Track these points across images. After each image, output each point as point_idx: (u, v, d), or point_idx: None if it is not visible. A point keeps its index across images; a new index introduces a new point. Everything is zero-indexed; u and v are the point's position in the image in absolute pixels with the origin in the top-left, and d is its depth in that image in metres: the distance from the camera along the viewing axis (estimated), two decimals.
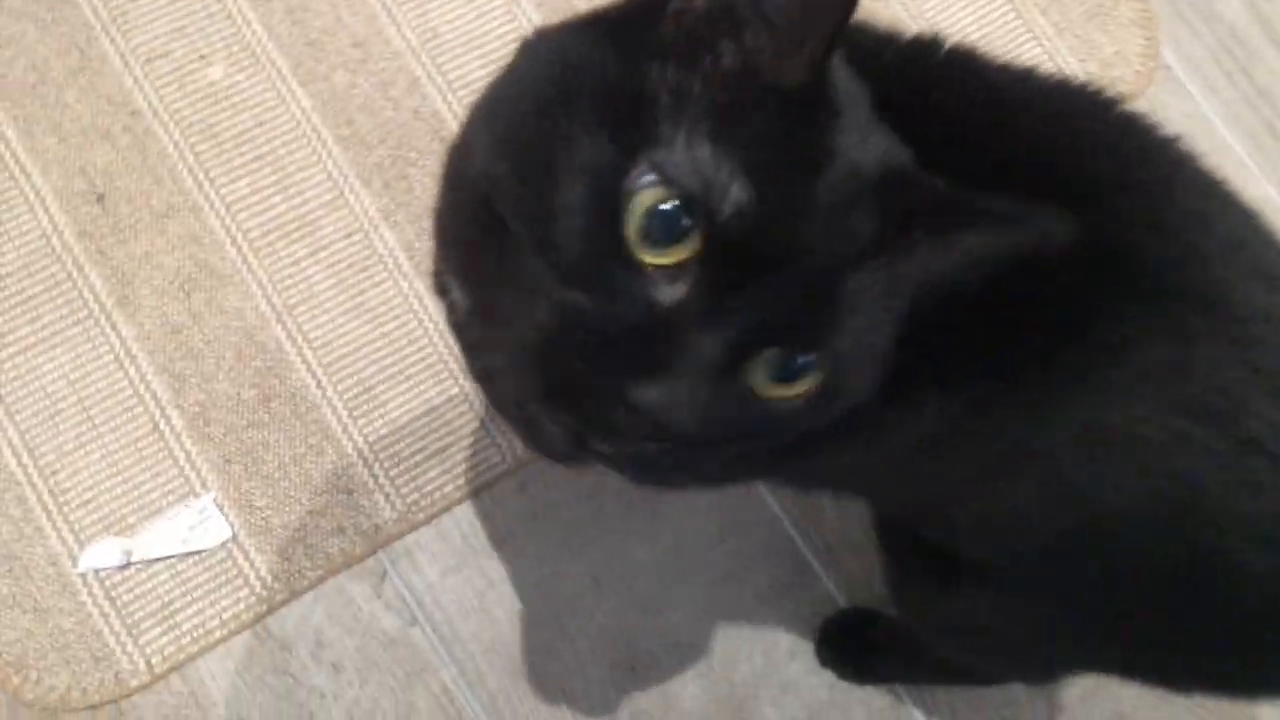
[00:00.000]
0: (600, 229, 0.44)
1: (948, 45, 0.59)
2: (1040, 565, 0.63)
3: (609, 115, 0.45)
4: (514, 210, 0.46)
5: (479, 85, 1.08)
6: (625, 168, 0.44)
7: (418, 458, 1.01)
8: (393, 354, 1.03)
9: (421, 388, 1.02)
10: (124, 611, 0.94)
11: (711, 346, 0.44)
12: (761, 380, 0.47)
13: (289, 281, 1.03)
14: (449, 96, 1.10)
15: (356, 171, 1.07)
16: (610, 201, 0.44)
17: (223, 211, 1.04)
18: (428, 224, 1.05)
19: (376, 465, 1.00)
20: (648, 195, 0.43)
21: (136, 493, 0.97)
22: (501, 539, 1.01)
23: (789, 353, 0.47)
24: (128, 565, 0.95)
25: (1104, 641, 0.67)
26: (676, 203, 0.43)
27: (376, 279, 1.04)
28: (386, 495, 1.00)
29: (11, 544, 0.94)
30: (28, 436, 0.96)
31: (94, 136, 1.04)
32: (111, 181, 1.03)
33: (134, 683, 0.93)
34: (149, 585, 0.95)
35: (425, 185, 1.07)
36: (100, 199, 1.02)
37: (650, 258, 0.44)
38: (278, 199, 1.05)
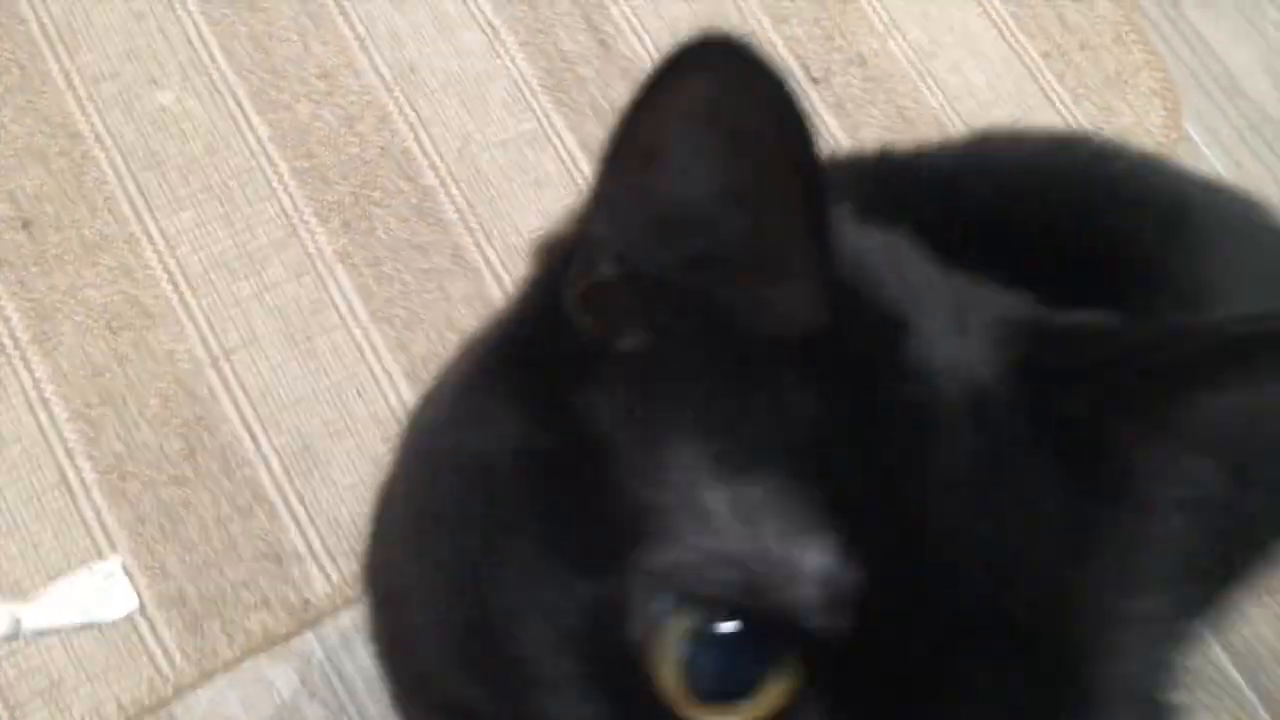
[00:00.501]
0: (623, 697, 0.27)
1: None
2: None
3: (555, 525, 0.28)
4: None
5: (452, 125, 1.01)
6: (614, 601, 0.27)
7: (359, 524, 0.90)
8: (339, 407, 0.93)
9: (368, 445, 0.92)
10: (9, 690, 0.82)
11: None
12: None
13: (229, 323, 0.93)
14: (420, 134, 1.02)
15: (313, 208, 0.98)
16: (615, 669, 0.27)
17: (161, 244, 0.94)
18: (388, 268, 0.96)
19: (312, 531, 0.89)
20: (671, 632, 0.26)
21: (35, 553, 0.85)
22: None
23: None
24: (16, 635, 0.83)
25: None
26: (730, 624, 0.26)
27: (327, 324, 0.95)
28: (321, 566, 0.88)
29: None
30: None
31: (27, 159, 0.95)
32: (41, 207, 0.94)
33: None
34: (38, 659, 0.83)
35: (389, 227, 0.98)
36: (26, 225, 0.93)
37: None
38: (223, 233, 0.96)
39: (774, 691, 0.26)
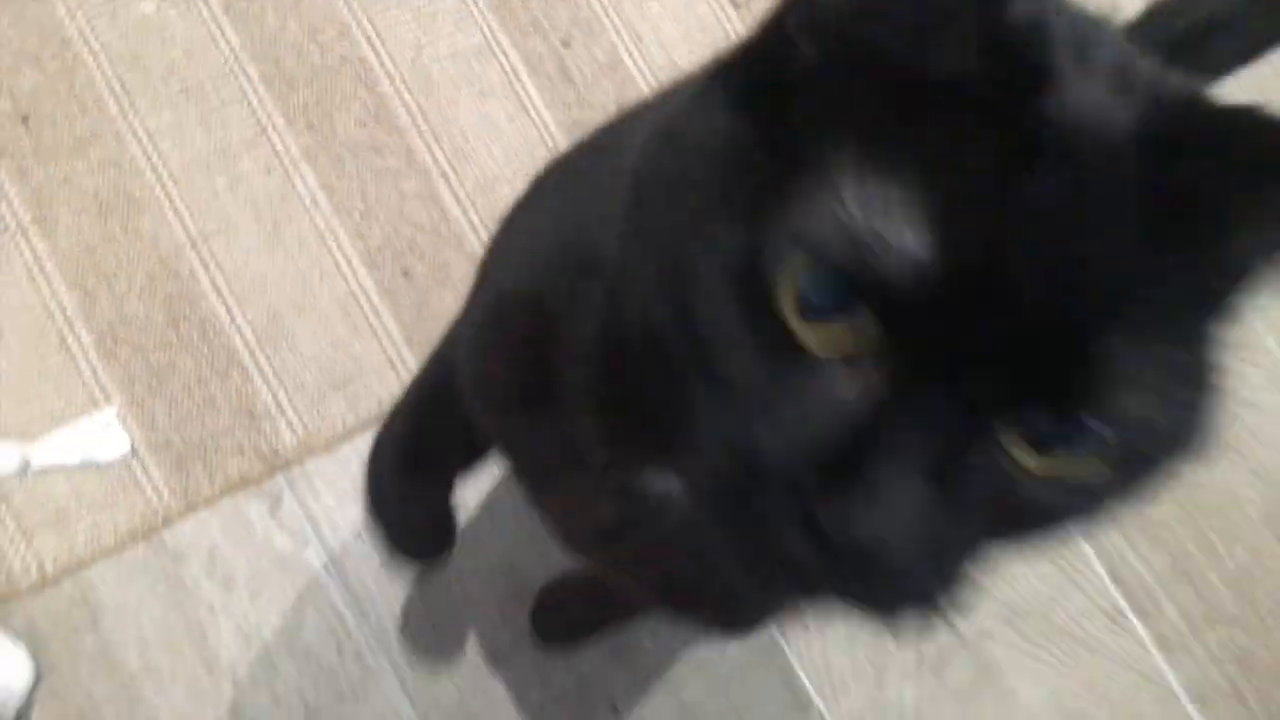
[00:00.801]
0: (758, 325, 0.35)
1: None
2: None
3: (738, 193, 0.36)
4: (656, 327, 0.39)
5: (406, 38, 1.12)
6: (759, 248, 0.35)
7: (322, 388, 1.04)
8: (304, 288, 1.06)
9: (330, 322, 1.06)
10: (19, 516, 0.97)
11: (919, 435, 0.34)
12: (1024, 455, 0.35)
13: (206, 211, 1.06)
14: (376, 45, 1.13)
15: (280, 110, 1.10)
16: (756, 288, 0.35)
17: (145, 140, 1.07)
18: (348, 166, 1.09)
19: (281, 392, 1.03)
20: (795, 268, 0.34)
21: (40, 403, 0.99)
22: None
23: (1041, 414, 0.34)
24: (26, 472, 0.97)
25: None
26: (835, 280, 0.34)
27: (293, 215, 1.08)
28: (289, 421, 1.03)
29: None
30: None
31: (23, 61, 1.07)
32: (38, 105, 1.06)
33: (25, 584, 0.95)
34: (46, 492, 0.97)
35: (349, 129, 1.11)
36: (24, 120, 1.05)
37: (818, 339, 0.35)
38: (199, 132, 1.08)
39: (856, 324, 0.34)
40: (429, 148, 1.12)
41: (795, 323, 0.34)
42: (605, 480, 0.52)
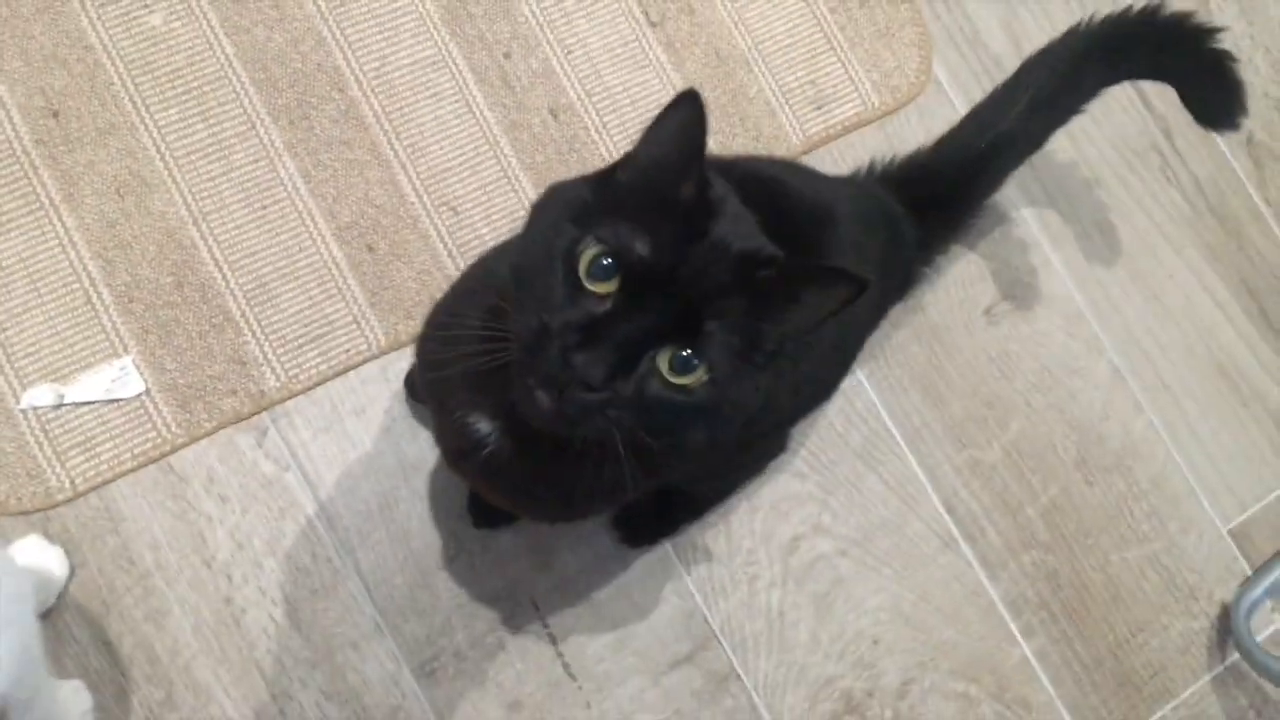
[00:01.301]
0: (570, 276, 0.74)
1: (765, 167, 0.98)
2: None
3: (578, 217, 0.76)
4: (526, 272, 0.77)
5: (373, 49, 1.34)
6: (582, 238, 0.74)
7: (300, 341, 1.27)
8: (286, 258, 1.29)
9: (307, 287, 1.29)
10: (55, 441, 1.19)
11: (625, 333, 0.73)
12: (665, 368, 0.74)
13: (205, 193, 1.28)
14: (348, 55, 1.35)
15: (267, 109, 1.32)
16: (573, 260, 0.74)
17: (155, 133, 1.28)
18: (323, 157, 1.31)
19: (266, 344, 1.26)
20: (591, 251, 0.74)
21: (70, 350, 1.22)
22: (363, 410, 1.27)
23: (678, 348, 0.73)
24: (60, 406, 1.20)
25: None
26: (607, 256, 0.73)
27: (277, 197, 1.30)
28: (272, 368, 1.26)
29: None
30: None
31: (53, 63, 1.28)
32: (65, 101, 1.27)
33: (60, 497, 1.18)
34: (76, 423, 1.20)
35: (324, 126, 1.33)
36: (55, 114, 1.26)
37: (594, 288, 0.73)
38: (200, 126, 1.30)
39: (611, 284, 0.73)
40: (390, 143, 1.35)
41: (584, 276, 0.74)
42: (456, 421, 0.89)
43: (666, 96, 1.43)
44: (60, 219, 1.24)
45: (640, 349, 0.73)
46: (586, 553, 1.30)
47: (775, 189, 1.01)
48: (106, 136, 1.27)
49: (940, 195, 1.26)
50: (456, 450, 0.95)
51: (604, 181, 0.79)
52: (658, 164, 0.76)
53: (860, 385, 1.41)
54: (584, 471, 0.84)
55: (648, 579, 1.31)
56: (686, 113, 0.74)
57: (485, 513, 1.26)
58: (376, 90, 1.36)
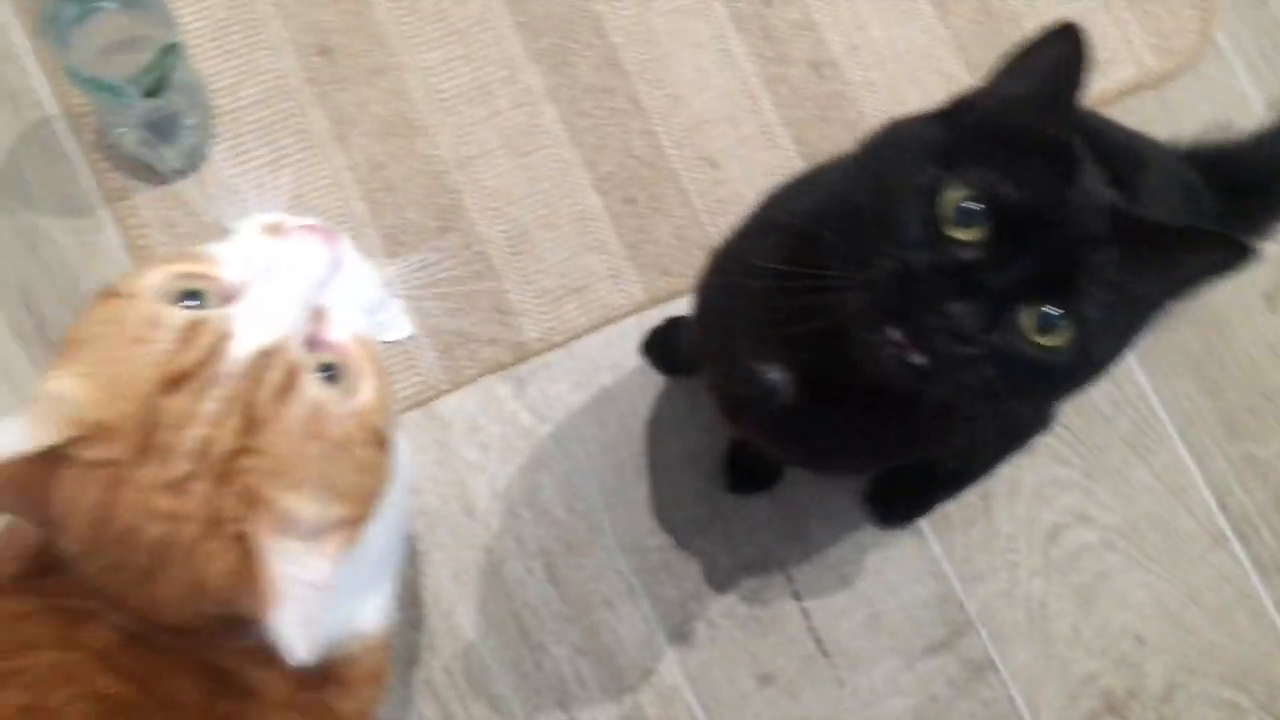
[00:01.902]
0: (929, 219, 0.68)
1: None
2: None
3: (935, 155, 0.70)
4: (870, 213, 0.71)
5: None
6: (945, 179, 0.68)
7: (559, 292, 1.24)
8: (546, 206, 1.26)
9: (567, 237, 1.25)
10: None
11: (995, 284, 0.66)
12: (1029, 326, 0.67)
13: (469, 138, 1.26)
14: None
15: (527, 54, 1.29)
16: (934, 201, 0.68)
17: (421, 75, 1.26)
18: (585, 105, 1.27)
19: (526, 294, 1.24)
20: (957, 194, 0.67)
21: None
22: (618, 366, 1.24)
23: (1046, 304, 0.67)
24: None
25: None
26: (975, 200, 0.67)
27: (539, 144, 1.27)
28: (532, 319, 1.23)
29: None
30: None
31: (324, 1, 1.26)
32: (336, 39, 1.26)
33: None
34: None
35: (584, 72, 1.29)
36: (326, 52, 1.25)
37: (956, 233, 0.67)
38: (464, 69, 1.27)
39: (977, 230, 0.66)
40: (649, 92, 1.30)
41: (946, 221, 0.67)
42: (741, 370, 0.84)
43: (934, 52, 1.37)
44: (331, 158, 1.23)
45: (1009, 302, 0.67)
46: (840, 526, 1.25)
47: (1086, 125, 0.92)
48: (375, 77, 1.26)
49: (1251, 188, 1.15)
50: (740, 401, 0.89)
51: (956, 119, 0.73)
52: (1024, 102, 0.69)
53: (1130, 368, 1.33)
54: (891, 424, 0.80)
55: (902, 558, 1.25)
56: (1064, 47, 0.67)
57: (742, 478, 1.22)
58: (637, 37, 1.31)
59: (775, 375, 0.83)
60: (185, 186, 1.20)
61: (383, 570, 0.78)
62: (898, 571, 1.25)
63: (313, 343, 0.61)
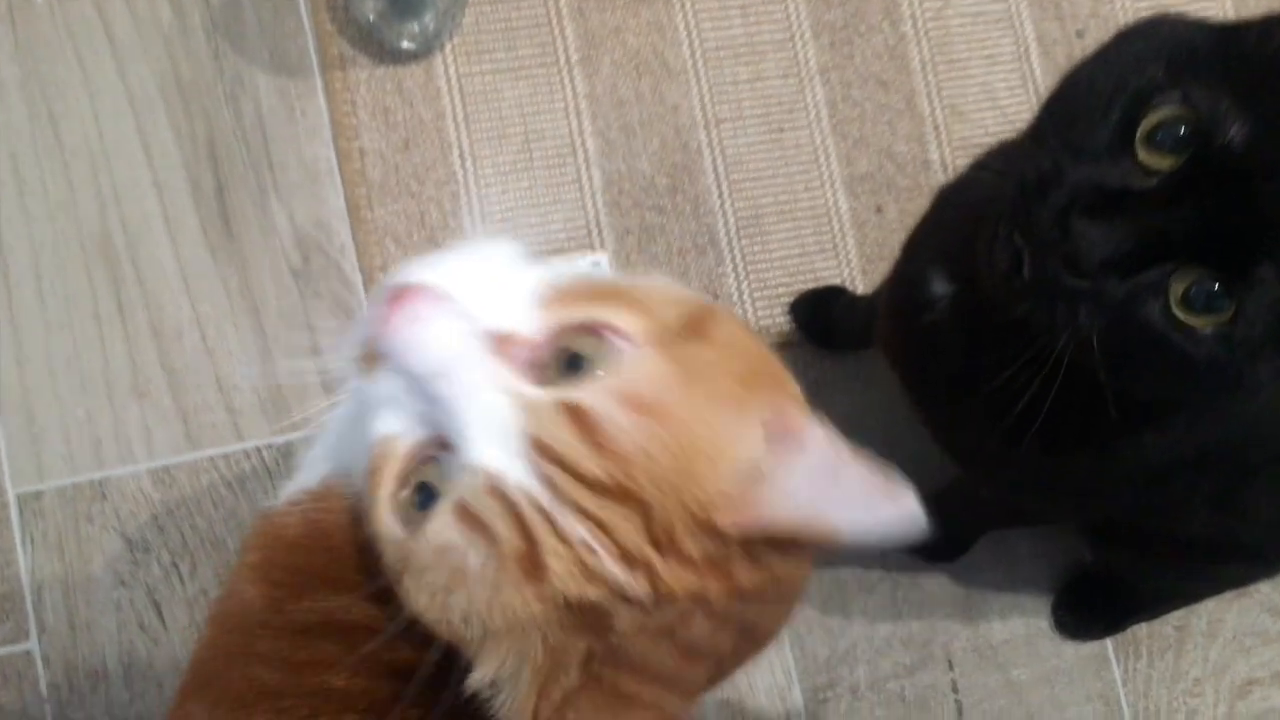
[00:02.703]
0: (1125, 128, 0.55)
1: None
2: None
3: (1175, 62, 0.56)
4: (1071, 109, 0.58)
5: None
6: (1165, 89, 0.55)
7: (779, 290, 1.11)
8: (788, 193, 1.12)
9: (803, 231, 1.12)
10: None
11: (1157, 223, 0.53)
12: (1178, 296, 0.54)
13: (724, 97, 1.12)
14: None
15: (811, 22, 1.15)
16: (1139, 110, 0.55)
17: (690, 14, 1.13)
18: (855, 92, 1.13)
19: (745, 283, 1.10)
20: (1167, 110, 0.54)
21: (546, 227, 1.08)
22: (822, 386, 1.10)
23: (1209, 275, 0.53)
24: None
25: None
26: (1185, 123, 0.53)
27: (797, 123, 1.13)
28: (745, 311, 1.10)
29: (436, 229, 1.06)
30: (475, 145, 1.08)
31: None
32: None
33: None
34: None
35: (865, 57, 1.15)
36: None
37: (1147, 156, 0.55)
38: (738, 21, 1.14)
39: (1172, 158, 0.53)
40: (929, 97, 1.16)
41: (1141, 137, 0.55)
42: (913, 272, 0.76)
43: None
44: (571, 82, 1.10)
45: (1162, 253, 0.54)
46: (1018, 623, 1.11)
47: None
48: (640, 4, 1.12)
49: None
50: (898, 309, 0.80)
51: (1238, 41, 0.57)
52: None
53: None
54: (1012, 380, 0.65)
55: (1076, 674, 1.12)
56: None
57: (930, 541, 1.09)
58: (931, 34, 1.17)
59: (939, 285, 0.73)
60: (411, 71, 1.08)
61: None
62: (1068, 688, 1.11)
63: (523, 351, 0.44)
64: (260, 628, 0.50)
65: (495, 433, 0.42)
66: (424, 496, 0.44)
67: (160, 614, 0.99)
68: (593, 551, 0.41)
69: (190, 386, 1.02)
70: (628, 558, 0.42)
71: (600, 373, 0.43)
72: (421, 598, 0.44)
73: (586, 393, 0.42)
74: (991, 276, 0.61)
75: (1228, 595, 1.13)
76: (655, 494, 0.42)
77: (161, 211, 1.04)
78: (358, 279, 1.05)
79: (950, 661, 1.10)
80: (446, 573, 0.43)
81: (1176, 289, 0.54)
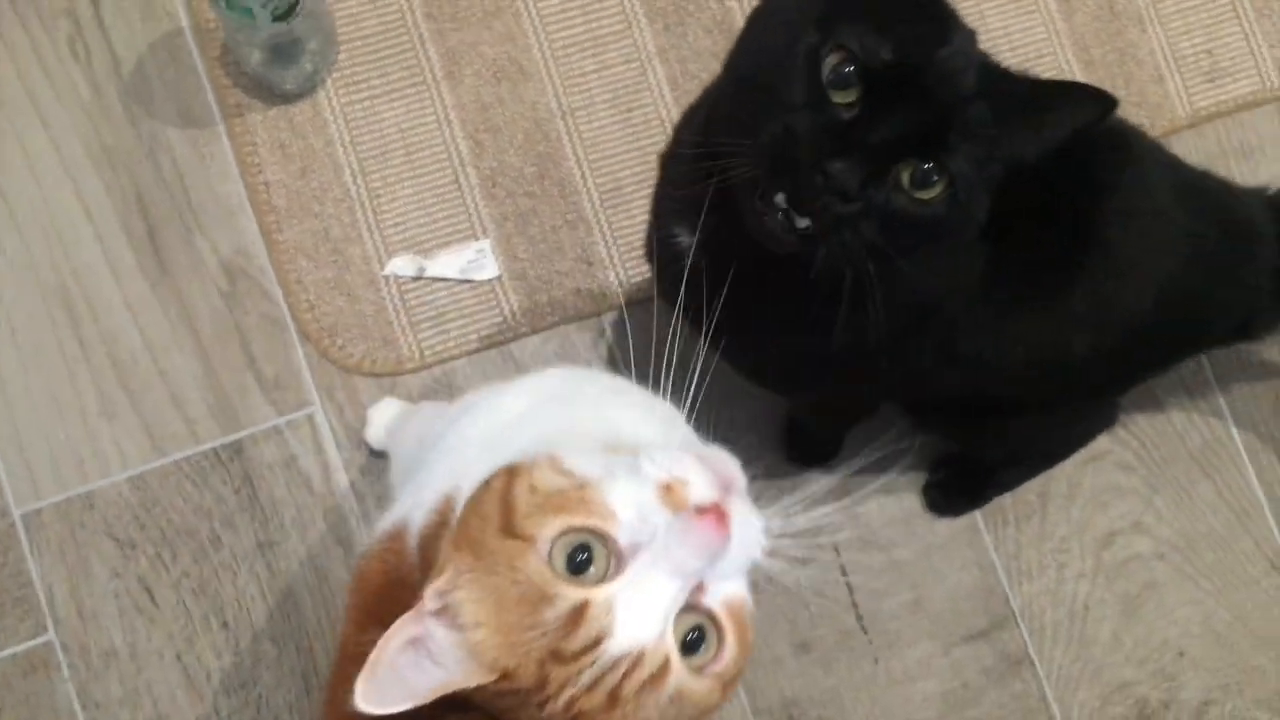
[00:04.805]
0: (813, 83, 0.71)
1: None
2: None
3: (816, 20, 0.71)
4: (755, 81, 0.75)
5: None
6: (825, 43, 0.70)
7: (645, 250, 1.27)
8: (644, 164, 1.28)
9: None
10: (410, 312, 1.23)
11: (873, 139, 0.70)
12: (906, 181, 0.71)
13: (575, 89, 1.28)
14: None
15: (645, 9, 1.30)
16: (816, 65, 0.71)
17: (536, 21, 1.28)
18: (693, 67, 1.28)
19: (614, 249, 1.26)
20: (834, 57, 0.70)
21: (434, 225, 1.25)
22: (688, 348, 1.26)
23: (920, 160, 0.71)
24: (419, 278, 1.23)
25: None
26: (850, 62, 0.70)
27: (643, 102, 1.29)
28: (616, 274, 1.26)
29: (340, 242, 1.23)
30: (363, 164, 1.24)
31: None
32: None
33: (409, 365, 1.22)
34: (431, 298, 1.23)
35: (696, 34, 1.30)
36: None
37: (837, 96, 0.70)
38: (579, 20, 1.29)
39: (854, 91, 0.70)
40: None
41: (826, 81, 0.70)
42: (663, 235, 0.89)
43: (1050, 45, 1.35)
44: (440, 95, 1.26)
45: (887, 160, 0.71)
46: (894, 507, 1.27)
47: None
48: (491, 18, 1.28)
49: None
50: (660, 263, 0.94)
51: None
52: None
53: (1209, 384, 1.32)
54: (783, 305, 0.83)
55: (952, 546, 1.27)
56: None
57: (802, 448, 1.25)
58: (753, 3, 1.31)
59: (684, 237, 0.86)
60: (300, 109, 1.25)
61: None
62: (946, 559, 1.27)
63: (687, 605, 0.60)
64: (350, 662, 0.63)
65: (647, 615, 0.57)
66: (581, 549, 0.58)
67: (152, 597, 1.18)
68: (580, 681, 0.57)
69: (149, 403, 1.20)
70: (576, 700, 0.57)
71: (694, 659, 0.60)
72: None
73: (680, 670, 0.58)
74: (774, 241, 0.75)
75: (1081, 459, 1.28)
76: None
77: (105, 258, 1.21)
78: (278, 293, 1.23)
79: (837, 549, 1.26)
80: (529, 598, 0.56)
81: (904, 179, 0.71)
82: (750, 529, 0.64)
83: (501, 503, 0.60)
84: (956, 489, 1.27)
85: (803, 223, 0.72)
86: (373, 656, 0.55)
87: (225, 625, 1.18)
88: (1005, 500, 1.28)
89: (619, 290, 1.26)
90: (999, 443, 1.16)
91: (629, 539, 0.58)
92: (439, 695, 0.56)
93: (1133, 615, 1.28)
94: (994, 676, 1.26)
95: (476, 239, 1.25)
